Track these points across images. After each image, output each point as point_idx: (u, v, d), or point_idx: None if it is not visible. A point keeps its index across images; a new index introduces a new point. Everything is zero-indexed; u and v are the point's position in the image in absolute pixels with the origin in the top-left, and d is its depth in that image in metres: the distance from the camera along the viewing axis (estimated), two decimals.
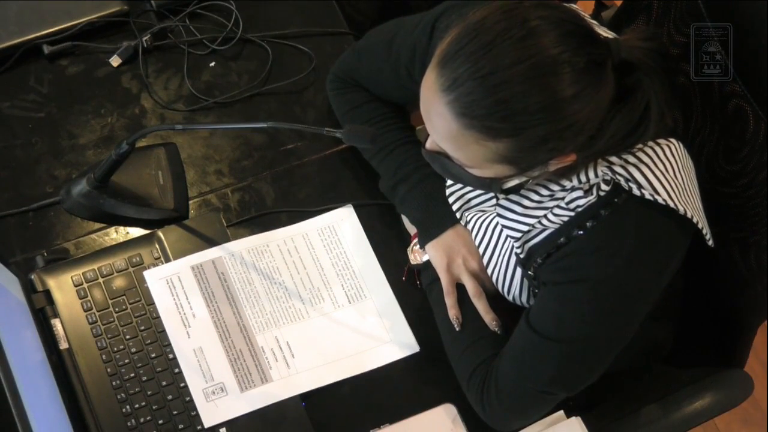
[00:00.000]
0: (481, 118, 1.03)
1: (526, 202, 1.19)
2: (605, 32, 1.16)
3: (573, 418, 1.26)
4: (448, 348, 1.32)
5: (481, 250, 1.30)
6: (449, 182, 1.35)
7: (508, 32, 1.01)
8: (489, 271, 1.30)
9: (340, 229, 1.46)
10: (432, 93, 1.06)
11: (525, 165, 1.09)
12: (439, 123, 1.07)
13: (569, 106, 1.02)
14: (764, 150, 1.22)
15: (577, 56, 1.01)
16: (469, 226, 1.31)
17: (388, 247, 1.44)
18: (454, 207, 1.34)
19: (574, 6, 1.10)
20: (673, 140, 1.15)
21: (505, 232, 1.23)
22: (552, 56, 1.01)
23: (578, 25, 1.04)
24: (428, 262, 1.35)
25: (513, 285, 1.27)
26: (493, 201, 1.30)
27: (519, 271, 1.25)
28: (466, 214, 1.32)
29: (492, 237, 1.28)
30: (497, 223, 1.26)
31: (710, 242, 1.16)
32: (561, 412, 1.27)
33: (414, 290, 1.40)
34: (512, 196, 1.21)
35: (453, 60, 1.04)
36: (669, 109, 1.10)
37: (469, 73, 1.02)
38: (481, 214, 1.30)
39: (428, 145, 1.15)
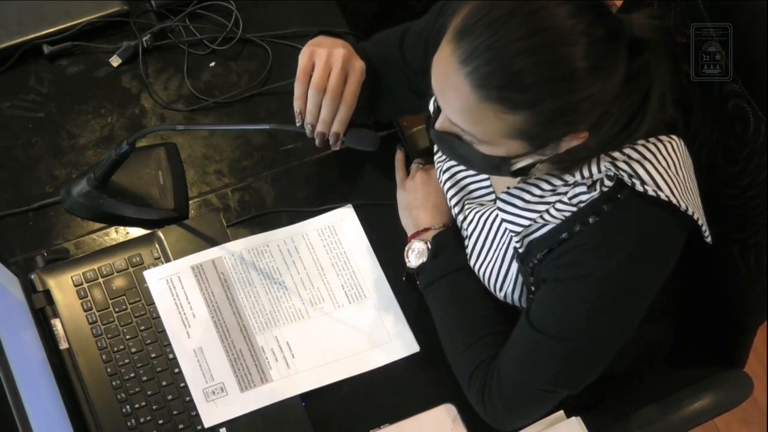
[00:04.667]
0: (499, 89, 1.02)
1: (528, 197, 1.19)
2: None
3: (573, 418, 1.26)
4: (447, 348, 1.32)
5: (478, 244, 1.30)
6: (449, 173, 1.35)
7: (524, 4, 1.01)
8: (483, 266, 1.30)
9: (340, 229, 1.46)
10: (447, 66, 1.05)
11: (540, 141, 1.08)
12: (455, 97, 1.06)
13: (586, 77, 1.02)
14: (764, 151, 1.22)
15: (593, 27, 1.01)
16: (467, 220, 1.31)
17: (388, 247, 1.44)
18: (454, 200, 1.34)
19: None
20: (674, 137, 1.15)
21: (506, 225, 1.23)
22: (568, 27, 1.00)
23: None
24: (422, 266, 1.35)
25: (506, 281, 1.27)
26: (493, 195, 1.30)
27: (514, 267, 1.25)
28: (466, 209, 1.32)
29: (490, 232, 1.28)
30: (495, 217, 1.26)
31: (708, 239, 1.16)
32: (561, 412, 1.27)
33: (414, 290, 1.40)
34: (514, 191, 1.21)
35: (470, 32, 1.03)
36: (671, 96, 1.10)
37: (486, 44, 1.01)
38: (480, 207, 1.30)
39: (438, 125, 1.13)
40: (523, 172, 1.15)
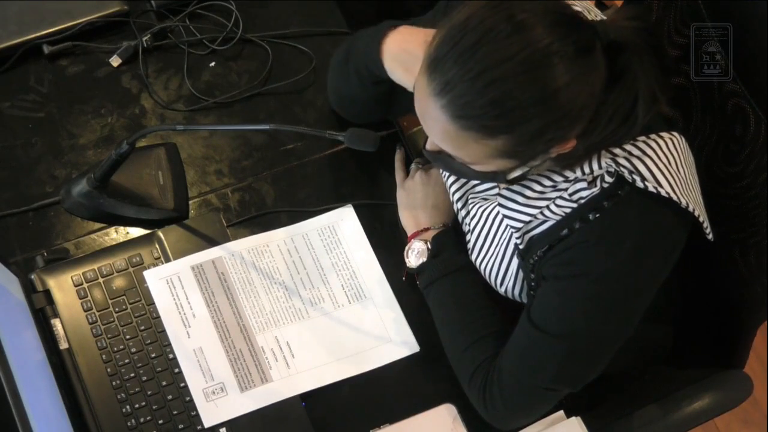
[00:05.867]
0: (476, 119, 1.03)
1: (529, 193, 1.19)
2: (598, 15, 1.16)
3: (573, 418, 1.26)
4: (447, 348, 1.32)
5: (480, 239, 1.30)
6: None
7: (494, 30, 1.01)
8: (484, 261, 1.30)
9: (340, 229, 1.46)
10: (425, 97, 1.06)
11: (525, 157, 1.09)
12: (435, 126, 1.08)
13: (562, 96, 1.02)
14: (764, 151, 1.22)
15: (565, 46, 1.01)
16: (470, 215, 1.32)
17: (388, 247, 1.44)
18: (458, 194, 1.34)
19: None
20: (675, 134, 1.15)
21: (506, 221, 1.23)
22: (540, 49, 1.01)
23: (563, 14, 1.04)
24: (422, 265, 1.36)
25: (507, 276, 1.27)
26: (496, 190, 1.30)
27: (515, 262, 1.25)
28: (470, 203, 1.32)
29: (492, 227, 1.28)
30: (497, 213, 1.26)
31: (710, 236, 1.16)
32: (561, 412, 1.27)
33: (414, 290, 1.40)
34: (515, 187, 1.21)
35: (442, 63, 1.03)
36: (661, 90, 1.10)
37: (459, 75, 1.02)
38: (483, 202, 1.30)
39: (428, 146, 1.15)
40: (521, 179, 1.16)
